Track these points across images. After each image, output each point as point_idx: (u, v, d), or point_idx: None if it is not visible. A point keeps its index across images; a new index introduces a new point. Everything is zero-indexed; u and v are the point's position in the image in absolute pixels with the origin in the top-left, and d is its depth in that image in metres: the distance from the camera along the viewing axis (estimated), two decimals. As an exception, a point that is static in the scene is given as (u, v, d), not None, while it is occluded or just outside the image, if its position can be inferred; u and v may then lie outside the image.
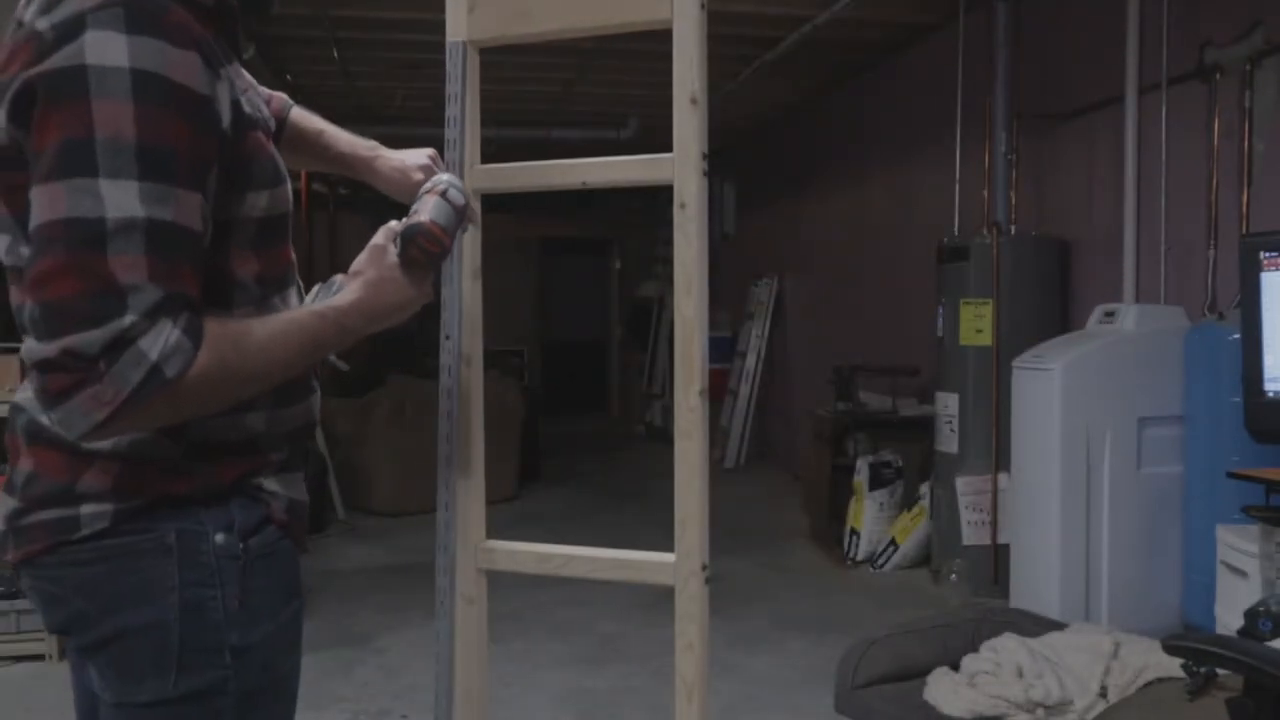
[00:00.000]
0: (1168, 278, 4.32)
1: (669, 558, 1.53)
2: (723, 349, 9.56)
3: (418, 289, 1.35)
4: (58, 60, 1.08)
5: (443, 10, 1.68)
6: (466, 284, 1.68)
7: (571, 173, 1.65)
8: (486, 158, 1.71)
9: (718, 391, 9.25)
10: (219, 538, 1.25)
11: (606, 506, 7.23)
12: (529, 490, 7.63)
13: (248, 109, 1.25)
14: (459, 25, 1.67)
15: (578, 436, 10.73)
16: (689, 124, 1.50)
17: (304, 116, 1.67)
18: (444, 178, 1.45)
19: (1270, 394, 3.10)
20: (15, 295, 1.21)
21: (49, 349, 1.07)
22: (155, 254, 1.09)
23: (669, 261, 10.12)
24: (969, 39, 5.34)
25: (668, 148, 1.54)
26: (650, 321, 11.24)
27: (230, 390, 1.20)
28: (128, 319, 1.07)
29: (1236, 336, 3.33)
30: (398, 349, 9.53)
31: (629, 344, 12.01)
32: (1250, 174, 3.90)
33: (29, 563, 1.25)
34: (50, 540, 1.23)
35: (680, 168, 1.51)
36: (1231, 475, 3.19)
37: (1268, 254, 3.10)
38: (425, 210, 1.38)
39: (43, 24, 1.12)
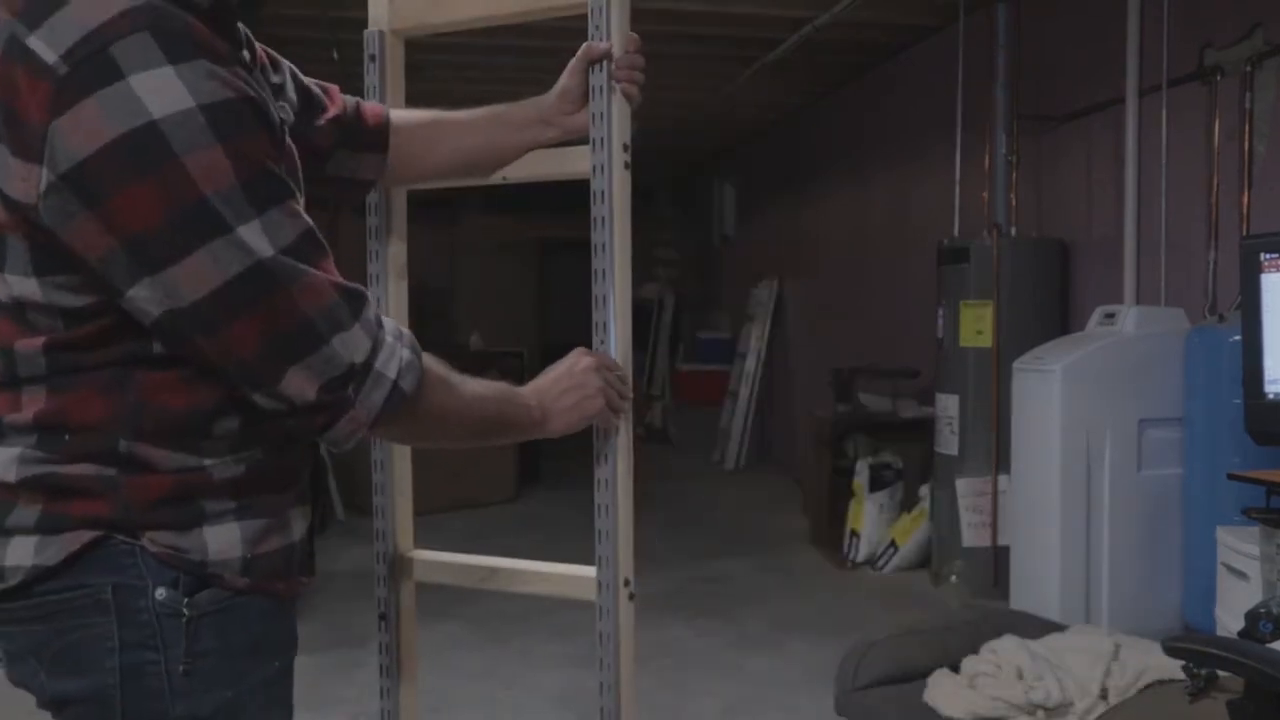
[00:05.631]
0: (1168, 279, 4.32)
1: (590, 571, 1.50)
2: (723, 351, 9.54)
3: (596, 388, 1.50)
4: (117, 121, 0.96)
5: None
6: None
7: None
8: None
9: (717, 394, 9.26)
10: (160, 593, 1.07)
11: (606, 508, 7.22)
12: (528, 492, 7.62)
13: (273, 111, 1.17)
14: (380, 14, 1.68)
15: (577, 438, 10.66)
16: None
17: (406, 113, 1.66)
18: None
19: (1271, 396, 3.10)
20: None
21: (308, 395, 1.09)
22: (316, 262, 1.08)
23: (669, 263, 10.13)
24: (969, 40, 5.34)
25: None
26: (650, 322, 11.24)
27: (448, 408, 1.25)
28: (357, 339, 1.10)
29: (1237, 338, 3.32)
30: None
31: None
32: (1251, 176, 3.90)
33: None
34: None
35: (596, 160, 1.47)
36: (1232, 477, 3.18)
37: (1268, 255, 3.10)
38: None
39: (38, 45, 0.98)
